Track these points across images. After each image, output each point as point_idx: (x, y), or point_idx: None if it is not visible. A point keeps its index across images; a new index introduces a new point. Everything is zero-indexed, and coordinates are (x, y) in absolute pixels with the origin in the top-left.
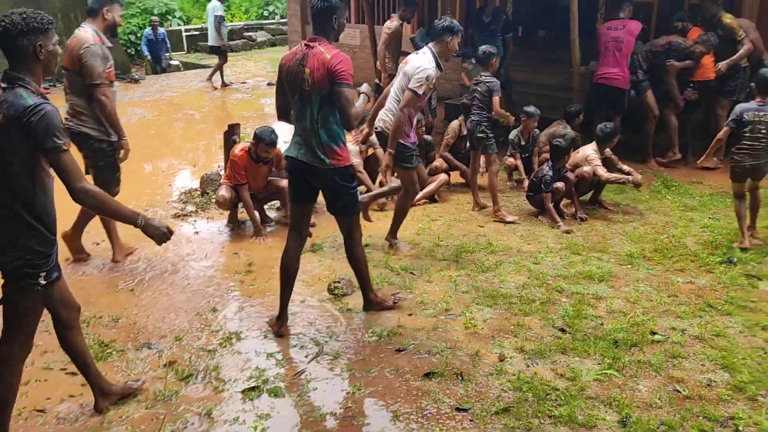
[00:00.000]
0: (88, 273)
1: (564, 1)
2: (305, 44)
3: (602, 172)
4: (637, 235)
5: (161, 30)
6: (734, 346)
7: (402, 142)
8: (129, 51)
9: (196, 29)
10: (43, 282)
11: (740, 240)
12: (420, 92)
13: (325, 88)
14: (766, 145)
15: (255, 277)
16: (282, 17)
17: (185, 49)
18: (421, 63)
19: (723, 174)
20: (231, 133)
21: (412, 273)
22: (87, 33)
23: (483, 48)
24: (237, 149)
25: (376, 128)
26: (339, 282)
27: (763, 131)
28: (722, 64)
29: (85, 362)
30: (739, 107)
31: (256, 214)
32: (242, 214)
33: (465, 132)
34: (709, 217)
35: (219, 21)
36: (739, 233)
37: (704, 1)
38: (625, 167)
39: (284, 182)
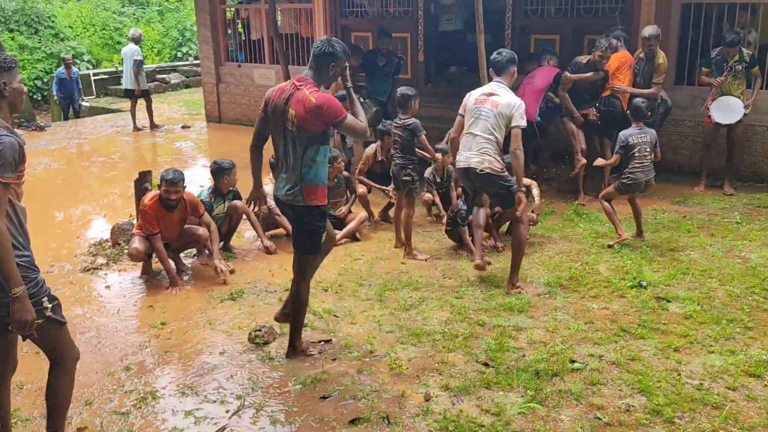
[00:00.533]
0: None
1: (472, 38)
2: (294, 84)
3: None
4: (553, 264)
5: (75, 69)
6: (649, 369)
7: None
8: (35, 96)
9: (105, 73)
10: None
11: (616, 234)
12: (524, 125)
13: (309, 130)
14: (651, 162)
15: (171, 330)
16: (195, 58)
17: (95, 93)
18: (514, 99)
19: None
20: (142, 181)
21: (335, 315)
22: None
23: (401, 90)
24: (147, 198)
25: (481, 170)
26: (260, 330)
27: (648, 150)
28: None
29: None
30: (622, 134)
31: (171, 264)
32: (157, 263)
33: (380, 157)
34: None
35: (138, 65)
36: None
37: (652, 41)
38: (536, 194)
39: (201, 230)
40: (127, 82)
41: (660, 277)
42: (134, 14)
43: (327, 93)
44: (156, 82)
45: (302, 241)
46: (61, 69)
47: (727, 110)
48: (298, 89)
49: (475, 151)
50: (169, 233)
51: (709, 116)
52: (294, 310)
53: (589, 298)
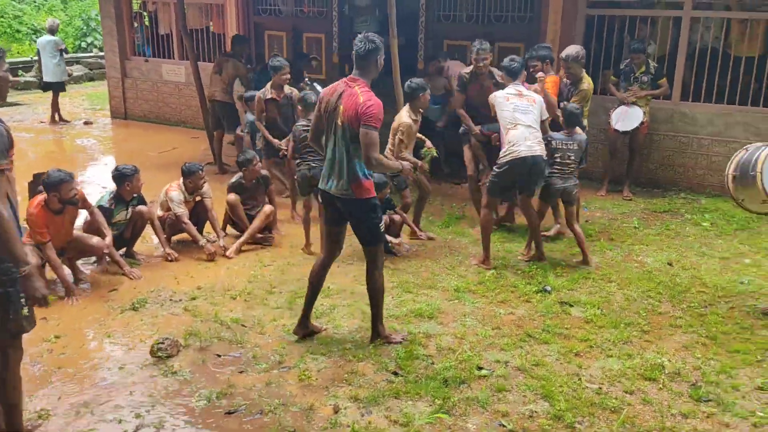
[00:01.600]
0: None
1: (387, 40)
2: (346, 82)
3: None
4: (462, 270)
5: None
6: (552, 374)
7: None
8: None
9: None
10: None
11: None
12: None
13: (354, 126)
14: (573, 170)
15: (66, 344)
16: (100, 50)
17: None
18: (539, 96)
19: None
20: (37, 183)
21: (243, 325)
22: None
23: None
24: (32, 206)
25: (542, 158)
26: (163, 343)
27: (572, 158)
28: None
29: None
30: (549, 134)
31: (67, 271)
32: (51, 272)
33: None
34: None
35: (60, 56)
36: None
37: (570, 62)
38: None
39: (95, 240)
40: (47, 75)
41: (563, 282)
42: (35, 2)
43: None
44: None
45: (364, 235)
46: None
47: (626, 118)
48: (350, 87)
49: (535, 141)
50: (60, 238)
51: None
52: (371, 301)
53: (497, 303)
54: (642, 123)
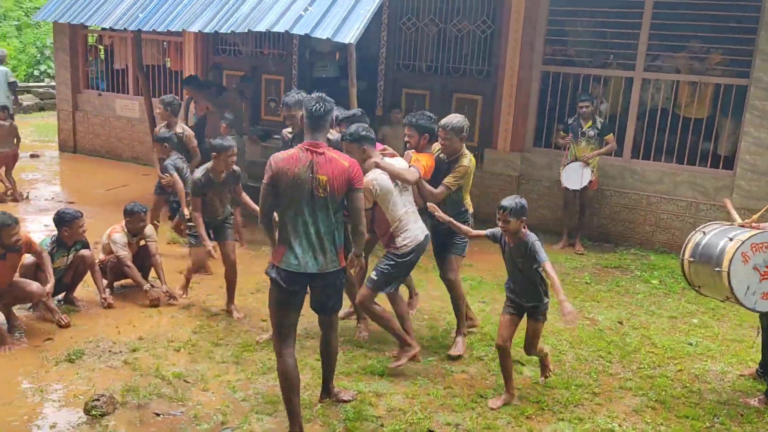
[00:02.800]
0: None
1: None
2: (310, 150)
3: None
4: (415, 324)
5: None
6: None
7: None
8: None
9: None
10: None
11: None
12: None
13: (342, 193)
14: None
15: None
16: (52, 79)
17: None
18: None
19: (492, 258)
20: None
21: (186, 381)
22: None
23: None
24: None
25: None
26: (98, 399)
27: None
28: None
29: None
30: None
31: (1, 318)
32: None
33: None
34: (480, 301)
35: (13, 88)
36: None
37: (449, 132)
38: None
39: (35, 286)
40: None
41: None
42: None
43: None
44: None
45: (334, 303)
46: None
47: (574, 176)
48: (320, 154)
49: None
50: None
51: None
52: (328, 361)
53: (449, 361)
54: (590, 181)
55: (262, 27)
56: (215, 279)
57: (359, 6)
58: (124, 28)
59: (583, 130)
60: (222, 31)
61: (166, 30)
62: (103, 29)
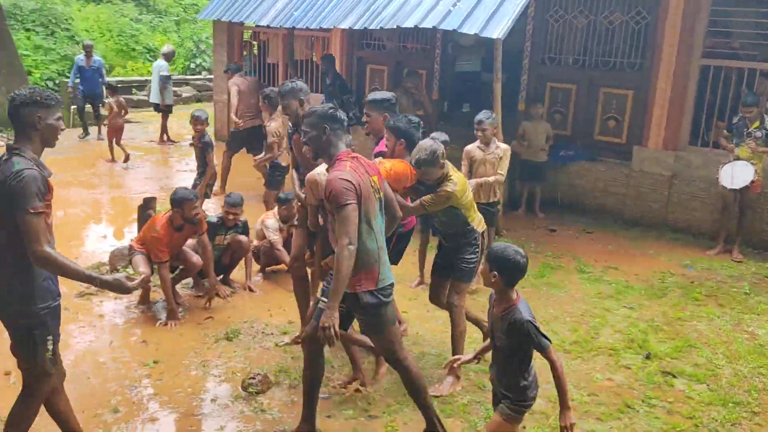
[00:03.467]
0: None
1: (486, 76)
2: (353, 157)
3: None
4: (557, 326)
5: (96, 58)
6: None
7: None
8: None
9: (117, 81)
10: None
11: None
12: None
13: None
14: None
15: (163, 370)
16: (208, 71)
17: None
18: None
19: (639, 261)
20: (146, 207)
21: (332, 366)
22: None
23: None
24: (157, 224)
25: None
26: (254, 378)
27: None
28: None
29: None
30: None
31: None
32: (155, 293)
33: None
34: (625, 307)
35: (164, 81)
36: None
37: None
38: None
39: (195, 258)
40: (153, 96)
41: (666, 349)
42: (151, 22)
43: None
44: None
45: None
46: (80, 56)
47: (735, 175)
48: (357, 158)
49: None
50: (171, 253)
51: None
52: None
53: (593, 367)
54: (752, 181)
55: (410, 23)
56: None
57: (508, 1)
58: (279, 26)
59: (749, 130)
60: (371, 27)
61: (318, 27)
62: (258, 26)
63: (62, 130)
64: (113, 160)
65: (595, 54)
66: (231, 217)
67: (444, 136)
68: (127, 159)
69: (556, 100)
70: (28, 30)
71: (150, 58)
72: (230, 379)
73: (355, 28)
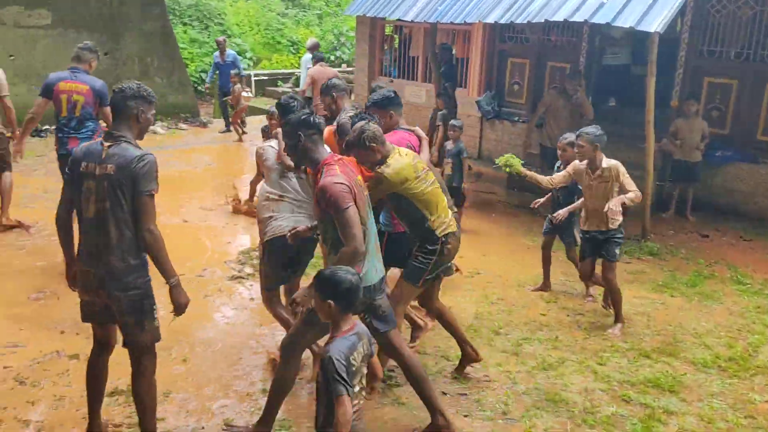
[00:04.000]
0: None
1: (638, 70)
2: (337, 160)
3: None
4: (710, 340)
5: (230, 51)
6: None
7: None
8: (198, 88)
9: (265, 74)
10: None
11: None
12: None
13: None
14: None
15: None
16: (347, 64)
17: (253, 92)
18: None
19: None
20: None
21: (448, 359)
22: None
23: None
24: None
25: None
26: (392, 371)
27: None
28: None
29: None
30: None
31: None
32: None
33: None
34: None
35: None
36: None
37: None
38: None
39: None
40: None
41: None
42: (296, 16)
43: None
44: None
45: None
46: (216, 53)
47: None
48: (343, 159)
49: None
50: None
51: None
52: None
53: (752, 388)
54: None
55: (559, 17)
56: (494, 270)
57: None
58: (423, 21)
59: None
60: (518, 21)
61: (462, 21)
62: (401, 20)
63: (152, 124)
64: (240, 140)
65: (763, 47)
66: None
67: (459, 122)
68: (240, 140)
69: (713, 97)
70: (185, 24)
71: (293, 51)
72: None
73: (501, 22)
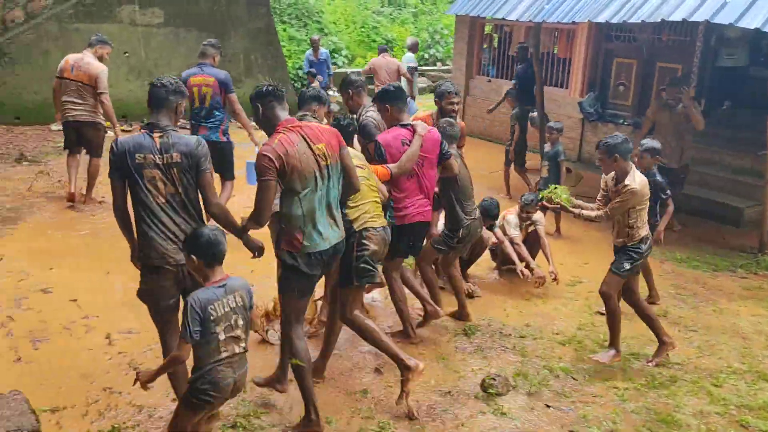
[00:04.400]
0: None
1: (757, 72)
2: (293, 128)
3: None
4: None
5: (323, 50)
6: None
7: None
8: (296, 85)
9: (357, 72)
10: None
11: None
12: None
13: (338, 154)
14: None
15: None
16: (441, 62)
17: None
18: None
19: None
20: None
21: (573, 378)
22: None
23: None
24: None
25: None
26: (495, 379)
27: None
28: None
29: None
30: None
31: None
32: None
33: None
34: None
35: (411, 72)
36: None
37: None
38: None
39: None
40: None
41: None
42: (391, 14)
43: None
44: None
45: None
46: (309, 52)
47: None
48: (303, 127)
49: None
50: None
51: None
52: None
53: None
54: None
55: (677, 16)
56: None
57: None
58: (529, 20)
59: None
60: (631, 20)
61: (570, 21)
62: (501, 18)
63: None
64: None
65: None
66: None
67: (558, 124)
68: None
69: None
70: (284, 23)
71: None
72: (468, 375)
73: (613, 21)
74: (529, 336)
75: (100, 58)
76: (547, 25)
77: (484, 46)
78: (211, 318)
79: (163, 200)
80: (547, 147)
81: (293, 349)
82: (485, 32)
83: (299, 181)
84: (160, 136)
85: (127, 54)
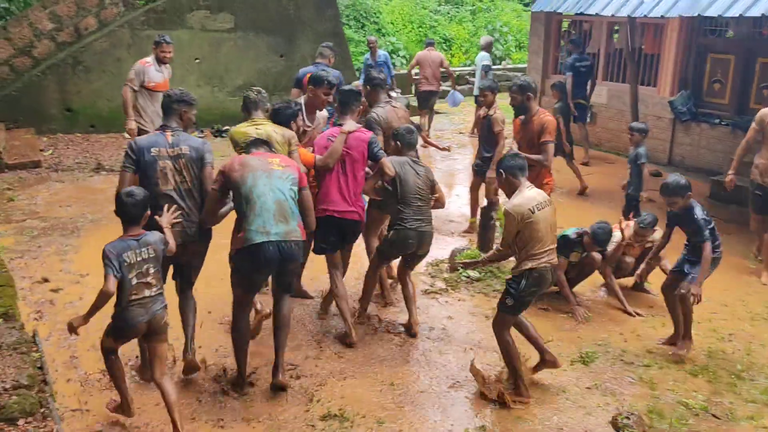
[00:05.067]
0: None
1: None
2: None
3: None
4: None
5: (381, 52)
6: None
7: None
8: None
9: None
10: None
11: None
12: None
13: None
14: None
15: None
16: (501, 60)
17: (411, 92)
18: None
19: None
20: (490, 210)
21: (714, 416)
22: None
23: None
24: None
25: None
26: (629, 418)
27: None
28: None
29: None
30: None
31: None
32: None
33: None
34: None
35: (485, 70)
36: None
37: None
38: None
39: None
40: (475, 89)
41: None
42: (449, 13)
43: None
44: (468, 85)
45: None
46: (367, 55)
47: None
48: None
49: None
50: None
51: None
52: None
53: None
54: None
55: None
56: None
57: None
58: (628, 16)
59: None
60: (727, 15)
61: (669, 15)
62: (578, 14)
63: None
64: None
65: None
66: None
67: (642, 125)
68: None
69: None
70: (342, 24)
71: (445, 48)
72: (595, 411)
73: (714, 15)
74: (654, 366)
75: (158, 59)
76: (641, 20)
77: (562, 43)
78: (125, 263)
79: (171, 187)
80: (631, 149)
81: (236, 326)
82: (562, 29)
83: (245, 183)
84: (172, 135)
85: (198, 60)
